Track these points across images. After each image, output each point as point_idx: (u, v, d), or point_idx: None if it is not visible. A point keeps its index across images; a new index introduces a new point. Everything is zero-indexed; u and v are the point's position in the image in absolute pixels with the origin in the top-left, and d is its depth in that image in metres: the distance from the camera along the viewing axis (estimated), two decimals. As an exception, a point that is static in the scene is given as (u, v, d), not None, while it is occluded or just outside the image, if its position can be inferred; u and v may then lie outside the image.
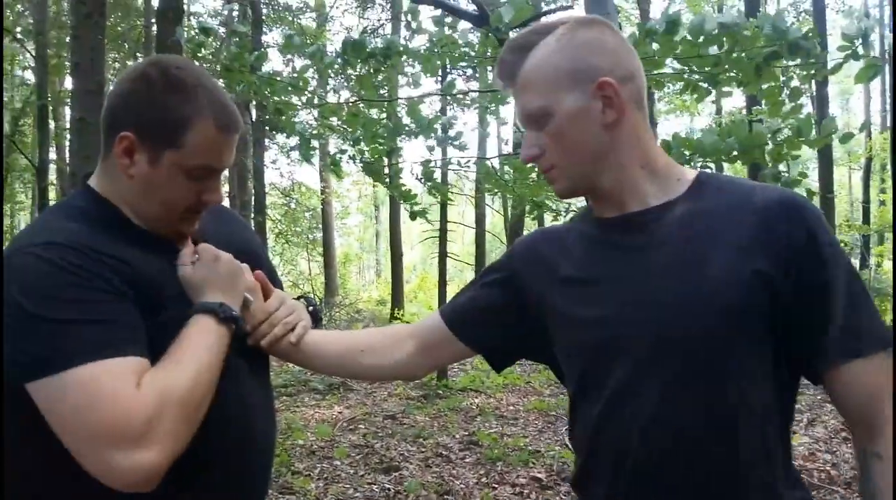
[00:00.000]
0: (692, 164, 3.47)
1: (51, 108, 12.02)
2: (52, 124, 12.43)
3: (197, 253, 1.10)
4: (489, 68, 4.11)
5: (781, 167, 3.15)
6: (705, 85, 2.94)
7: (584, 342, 1.02)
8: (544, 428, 5.89)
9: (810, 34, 2.62)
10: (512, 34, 2.90)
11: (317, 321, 1.26)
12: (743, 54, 2.62)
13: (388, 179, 4.35)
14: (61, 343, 0.89)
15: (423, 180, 4.23)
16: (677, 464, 0.92)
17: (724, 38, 2.62)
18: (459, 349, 1.19)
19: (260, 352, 1.18)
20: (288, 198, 16.52)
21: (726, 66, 2.72)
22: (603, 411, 0.98)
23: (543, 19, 1.11)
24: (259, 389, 1.16)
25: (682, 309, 0.92)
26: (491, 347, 1.19)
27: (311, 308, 1.25)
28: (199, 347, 1.00)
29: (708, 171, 1.07)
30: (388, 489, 4.41)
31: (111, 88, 1.08)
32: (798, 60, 2.73)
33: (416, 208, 3.87)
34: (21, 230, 1.05)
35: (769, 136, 2.88)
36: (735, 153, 3.16)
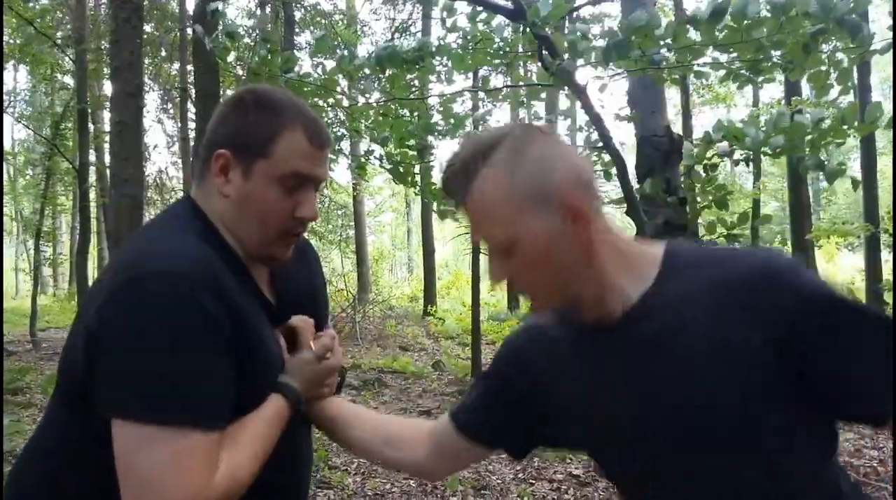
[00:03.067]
0: (733, 156, 3.41)
1: (90, 111, 12.29)
2: (91, 128, 12.71)
3: (319, 346, 1.15)
4: (520, 64, 4.10)
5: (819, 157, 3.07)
6: (747, 73, 2.89)
7: (600, 447, 1.05)
8: (580, 424, 5.85)
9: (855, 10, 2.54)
10: (548, 30, 2.88)
11: (339, 389, 1.28)
12: (788, 35, 2.56)
13: (415, 182, 4.35)
14: (168, 394, 0.89)
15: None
16: None
17: (769, 21, 2.56)
18: (478, 452, 1.19)
19: None
20: (321, 195, 16.65)
21: (770, 52, 2.67)
22: None
23: (490, 122, 1.00)
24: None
25: (695, 424, 0.91)
26: (507, 443, 1.18)
27: (339, 376, 1.25)
28: (273, 433, 1.03)
29: (673, 242, 1.02)
30: (426, 485, 4.43)
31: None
32: (845, 40, 2.65)
33: (444, 207, 3.87)
34: (136, 243, 1.04)
35: (812, 125, 2.82)
36: (777, 147, 3.10)
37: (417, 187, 4.39)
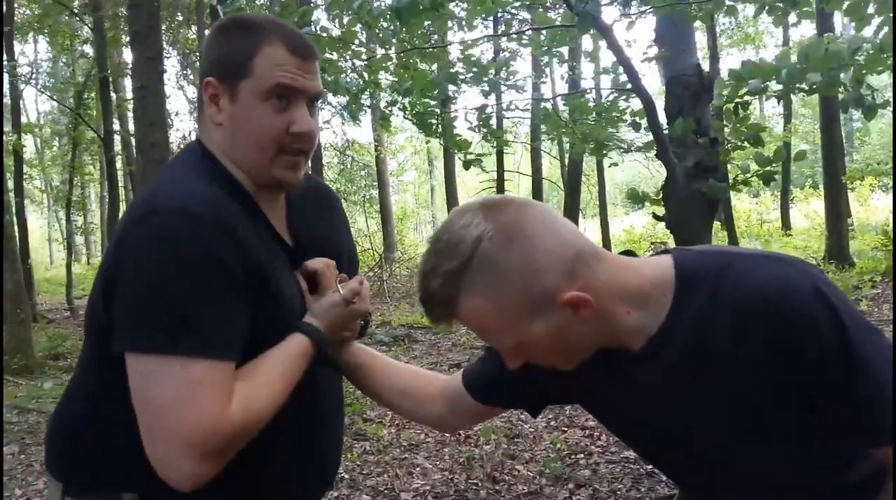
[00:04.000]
0: (766, 95, 3.30)
1: (112, 79, 12.32)
2: (114, 96, 12.75)
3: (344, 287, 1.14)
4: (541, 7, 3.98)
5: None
6: (782, 4, 2.77)
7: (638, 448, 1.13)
8: (611, 373, 5.86)
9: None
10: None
11: (361, 335, 1.26)
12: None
13: (439, 131, 4.29)
14: (181, 326, 0.89)
15: (478, 128, 4.16)
16: None
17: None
18: (494, 411, 1.20)
19: None
20: (343, 155, 16.64)
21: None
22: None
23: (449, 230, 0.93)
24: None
25: (733, 439, 0.92)
26: (523, 406, 1.18)
27: (362, 321, 1.24)
28: (293, 370, 1.01)
29: (680, 252, 0.96)
30: (459, 434, 4.50)
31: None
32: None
33: (469, 157, 3.82)
34: (151, 186, 1.02)
35: (849, 55, 2.71)
36: (813, 83, 2.98)
37: (441, 137, 4.34)
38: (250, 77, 1.02)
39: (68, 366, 7.46)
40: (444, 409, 1.20)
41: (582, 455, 3.91)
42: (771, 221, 17.56)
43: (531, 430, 4.46)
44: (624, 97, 3.85)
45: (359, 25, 3.68)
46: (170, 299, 0.89)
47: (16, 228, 8.48)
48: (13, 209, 8.75)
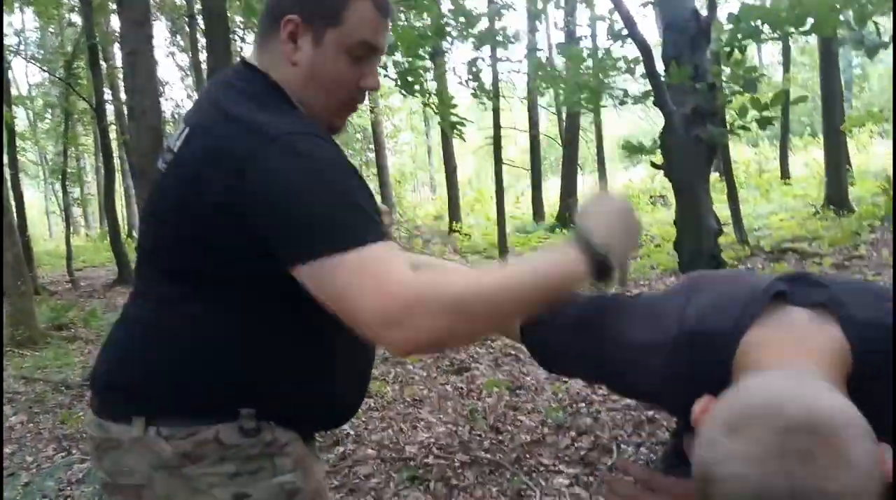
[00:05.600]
0: (763, 39, 3.24)
1: (101, 48, 12.12)
2: (104, 65, 12.56)
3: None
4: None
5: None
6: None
7: None
8: (612, 325, 5.90)
9: None
10: None
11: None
12: None
13: (425, 91, 4.22)
14: (353, 222, 0.92)
15: (467, 82, 4.10)
16: None
17: None
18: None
19: None
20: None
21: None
22: None
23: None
24: None
25: None
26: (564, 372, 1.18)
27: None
28: (549, 271, 0.93)
29: (838, 301, 0.76)
30: (461, 388, 4.55)
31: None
32: None
33: (454, 119, 3.76)
34: (244, 108, 1.00)
35: (847, -8, 2.66)
36: (810, 22, 2.93)
37: (427, 96, 4.27)
38: (339, 27, 1.04)
39: (72, 336, 7.52)
40: None
41: (583, 404, 3.95)
42: (770, 171, 17.48)
43: (533, 382, 4.51)
44: (620, 44, 3.78)
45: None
46: (328, 202, 0.92)
47: (12, 201, 8.44)
48: (9, 183, 8.68)
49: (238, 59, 1.17)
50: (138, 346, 1.07)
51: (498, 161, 8.46)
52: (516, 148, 24.72)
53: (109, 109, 13.34)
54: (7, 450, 4.32)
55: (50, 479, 3.64)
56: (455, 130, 3.70)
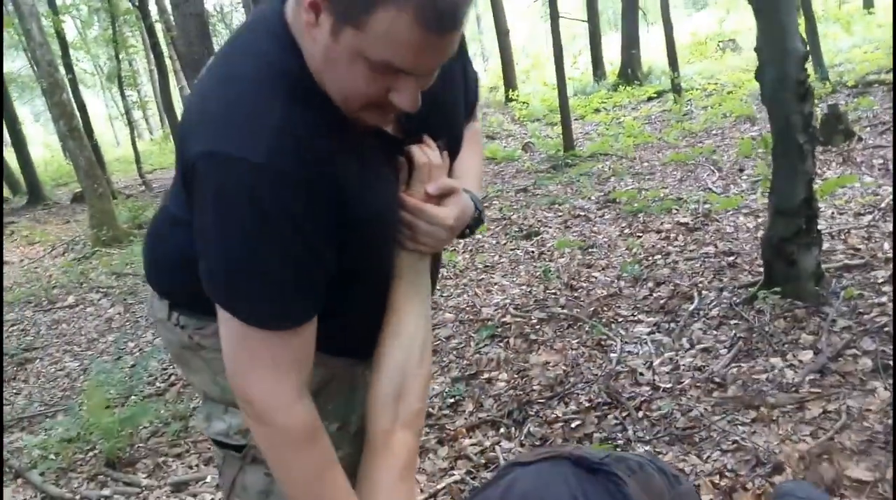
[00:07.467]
0: None
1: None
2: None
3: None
4: None
5: None
6: None
7: None
8: (684, 177, 5.70)
9: None
10: None
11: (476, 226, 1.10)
12: None
13: None
14: (246, 290, 0.87)
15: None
16: None
17: None
18: None
19: None
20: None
21: None
22: None
23: None
24: None
25: None
26: None
27: (476, 213, 1.08)
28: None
29: None
30: (532, 252, 4.53)
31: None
32: None
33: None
34: (207, 97, 0.88)
35: None
36: None
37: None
38: (358, 31, 0.77)
39: (153, 233, 7.84)
40: None
41: (659, 256, 3.88)
42: (850, 1, 15.98)
43: (605, 240, 4.44)
44: None
45: None
46: (241, 260, 0.86)
47: (74, 107, 8.58)
48: (68, 88, 8.78)
49: None
50: (167, 234, 1.06)
51: (554, 16, 7.95)
52: (571, 1, 23.28)
53: (152, 5, 13.12)
54: (110, 338, 4.64)
55: (153, 359, 3.89)
56: None
